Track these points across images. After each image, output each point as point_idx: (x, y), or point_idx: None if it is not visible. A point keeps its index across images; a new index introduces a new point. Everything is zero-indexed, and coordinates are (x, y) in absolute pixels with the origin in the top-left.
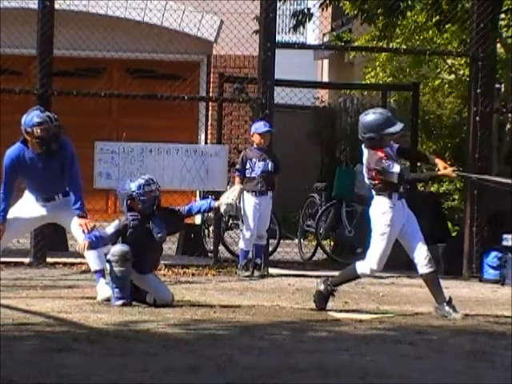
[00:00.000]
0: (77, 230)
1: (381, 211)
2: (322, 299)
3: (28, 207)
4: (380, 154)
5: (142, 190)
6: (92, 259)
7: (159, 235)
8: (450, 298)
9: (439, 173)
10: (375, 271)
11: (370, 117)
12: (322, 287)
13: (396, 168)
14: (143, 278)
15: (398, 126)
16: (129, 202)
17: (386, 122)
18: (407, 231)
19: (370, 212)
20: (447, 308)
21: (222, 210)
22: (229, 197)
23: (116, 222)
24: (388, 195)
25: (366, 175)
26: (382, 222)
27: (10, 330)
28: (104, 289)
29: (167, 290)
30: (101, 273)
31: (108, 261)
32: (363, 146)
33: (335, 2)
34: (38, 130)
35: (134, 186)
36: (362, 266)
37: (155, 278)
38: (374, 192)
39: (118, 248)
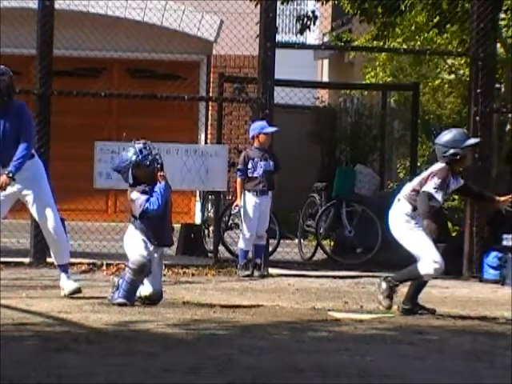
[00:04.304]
0: (33, 208)
1: (404, 219)
2: (387, 297)
3: None
4: (448, 175)
5: (144, 154)
6: (58, 253)
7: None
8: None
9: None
10: (439, 269)
11: (448, 135)
12: (384, 285)
13: (438, 198)
14: (154, 254)
15: (474, 140)
16: (134, 171)
17: (464, 136)
18: None
19: (392, 219)
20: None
21: None
22: None
23: (137, 194)
24: (412, 208)
25: (420, 179)
26: (408, 227)
27: (9, 330)
28: (68, 283)
29: (160, 284)
30: (63, 267)
31: (126, 265)
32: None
33: (335, 0)
34: None
35: (132, 154)
36: (423, 267)
37: (160, 266)
38: (403, 197)
39: (138, 258)
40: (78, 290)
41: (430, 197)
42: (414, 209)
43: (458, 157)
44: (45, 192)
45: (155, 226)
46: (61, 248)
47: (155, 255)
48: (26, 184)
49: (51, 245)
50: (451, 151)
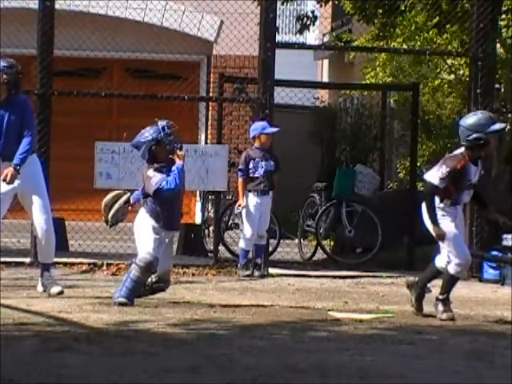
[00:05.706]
0: (35, 212)
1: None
2: (445, 311)
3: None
4: (459, 164)
5: (167, 132)
6: (45, 252)
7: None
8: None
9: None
10: (465, 264)
11: (473, 118)
12: (440, 305)
13: (441, 182)
14: (165, 239)
15: (500, 125)
16: (153, 148)
17: (489, 121)
18: None
19: (423, 211)
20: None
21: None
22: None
23: (153, 172)
24: (440, 199)
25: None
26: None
27: (10, 330)
28: (50, 283)
29: (169, 264)
30: (46, 266)
31: (133, 262)
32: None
33: (335, 0)
34: (5, 76)
35: (154, 131)
36: (452, 268)
37: (170, 248)
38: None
39: (146, 256)
40: (61, 292)
41: (434, 189)
42: (441, 200)
43: (481, 142)
44: (41, 189)
45: (166, 207)
46: (49, 247)
47: (166, 240)
48: (25, 179)
49: (40, 242)
50: (474, 135)
